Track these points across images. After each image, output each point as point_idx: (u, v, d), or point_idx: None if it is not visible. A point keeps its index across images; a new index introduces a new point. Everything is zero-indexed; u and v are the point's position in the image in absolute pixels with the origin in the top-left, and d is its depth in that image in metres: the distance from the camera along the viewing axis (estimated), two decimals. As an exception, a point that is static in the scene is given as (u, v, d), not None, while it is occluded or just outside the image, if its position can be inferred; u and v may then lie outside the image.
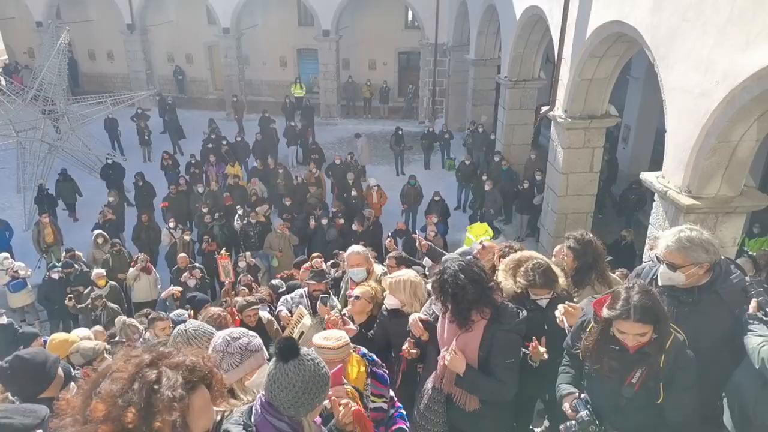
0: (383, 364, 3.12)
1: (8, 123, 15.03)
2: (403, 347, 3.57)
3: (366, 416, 2.59)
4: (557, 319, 3.34)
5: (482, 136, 16.55)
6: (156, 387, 1.22)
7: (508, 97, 13.68)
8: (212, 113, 20.83)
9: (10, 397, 3.26)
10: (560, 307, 3.32)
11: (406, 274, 4.04)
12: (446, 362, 3.12)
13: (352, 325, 3.83)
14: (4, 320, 7.87)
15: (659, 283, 3.14)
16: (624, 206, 12.68)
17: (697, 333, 3.00)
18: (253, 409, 2.01)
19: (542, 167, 12.12)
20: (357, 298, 4.20)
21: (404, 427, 2.94)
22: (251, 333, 2.63)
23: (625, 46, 8.72)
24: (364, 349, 3.09)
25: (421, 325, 3.51)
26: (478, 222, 11.75)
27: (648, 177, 7.19)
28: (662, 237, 3.18)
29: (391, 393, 3.03)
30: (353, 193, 13.63)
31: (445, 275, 3.14)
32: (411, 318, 3.59)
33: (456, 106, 20.05)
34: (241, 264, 10.01)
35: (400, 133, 17.34)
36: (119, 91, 19.67)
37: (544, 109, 10.55)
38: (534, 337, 3.37)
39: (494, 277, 3.73)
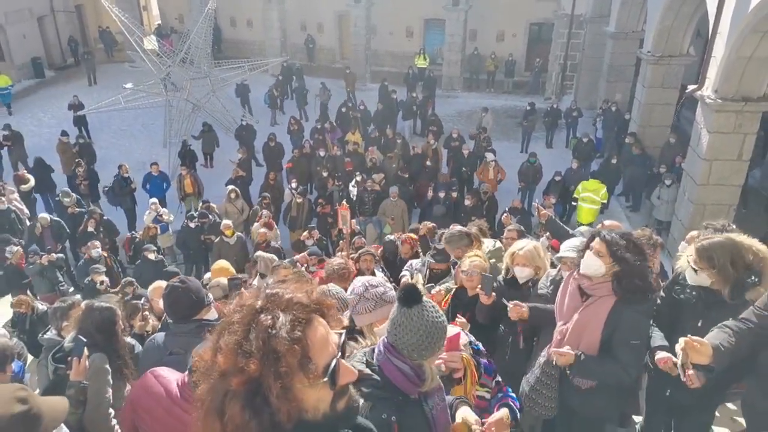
0: (487, 353, 2.96)
1: (159, 82, 16.61)
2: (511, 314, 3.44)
3: (473, 363, 2.60)
4: (676, 355, 2.74)
5: (615, 115, 15.46)
6: (272, 332, 1.21)
7: (650, 73, 12.63)
8: (337, 81, 21.35)
9: (168, 320, 3.60)
10: (681, 340, 2.71)
11: (528, 242, 3.93)
12: (554, 360, 2.98)
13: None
14: (153, 257, 8.91)
15: None
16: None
17: None
18: (376, 349, 2.06)
19: (682, 152, 11.12)
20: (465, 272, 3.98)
21: (511, 403, 2.74)
22: (388, 285, 2.73)
23: (797, 21, 7.67)
24: (470, 337, 2.91)
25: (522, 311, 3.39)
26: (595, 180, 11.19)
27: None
28: None
29: (498, 378, 2.87)
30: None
31: (628, 237, 2.97)
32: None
33: (588, 82, 18.87)
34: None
35: (528, 108, 16.72)
36: (254, 57, 20.77)
37: (691, 87, 9.60)
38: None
39: None
